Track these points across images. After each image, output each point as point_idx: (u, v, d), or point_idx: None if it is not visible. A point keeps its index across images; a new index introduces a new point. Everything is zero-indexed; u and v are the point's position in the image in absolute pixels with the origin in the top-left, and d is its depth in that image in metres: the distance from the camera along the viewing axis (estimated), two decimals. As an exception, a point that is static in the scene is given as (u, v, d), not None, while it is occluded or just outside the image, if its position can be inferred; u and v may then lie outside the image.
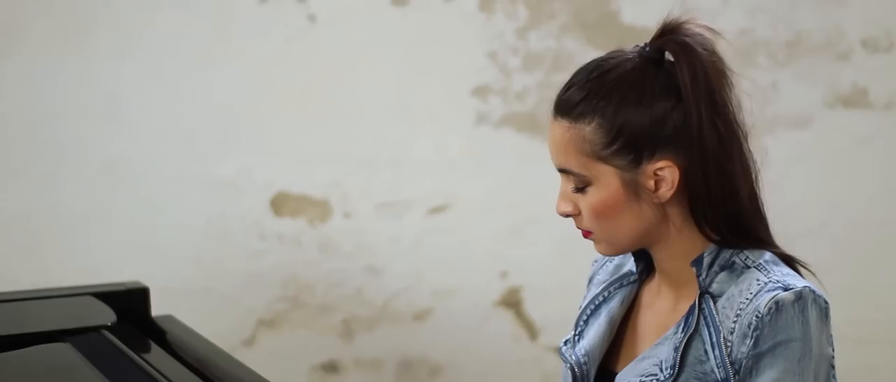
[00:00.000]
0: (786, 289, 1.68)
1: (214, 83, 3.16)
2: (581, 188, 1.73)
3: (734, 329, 1.70)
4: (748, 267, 1.74)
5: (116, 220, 3.17)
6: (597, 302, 1.95)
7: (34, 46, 3.05)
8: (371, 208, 3.24)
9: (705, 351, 1.73)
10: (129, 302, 2.23)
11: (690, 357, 1.75)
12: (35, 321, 2.04)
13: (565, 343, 1.98)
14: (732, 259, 1.75)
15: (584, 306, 1.98)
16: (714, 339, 1.73)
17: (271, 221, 3.23)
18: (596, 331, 1.91)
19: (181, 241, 3.18)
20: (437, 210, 3.27)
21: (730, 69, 1.77)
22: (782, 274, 1.72)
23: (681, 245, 1.77)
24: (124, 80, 3.12)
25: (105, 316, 2.06)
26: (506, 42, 3.22)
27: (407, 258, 3.26)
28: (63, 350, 1.87)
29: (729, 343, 1.71)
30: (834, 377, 1.74)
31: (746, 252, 1.75)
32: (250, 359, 3.23)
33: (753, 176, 1.78)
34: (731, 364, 1.70)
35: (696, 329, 1.77)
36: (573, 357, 1.91)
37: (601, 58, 1.76)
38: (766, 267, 1.74)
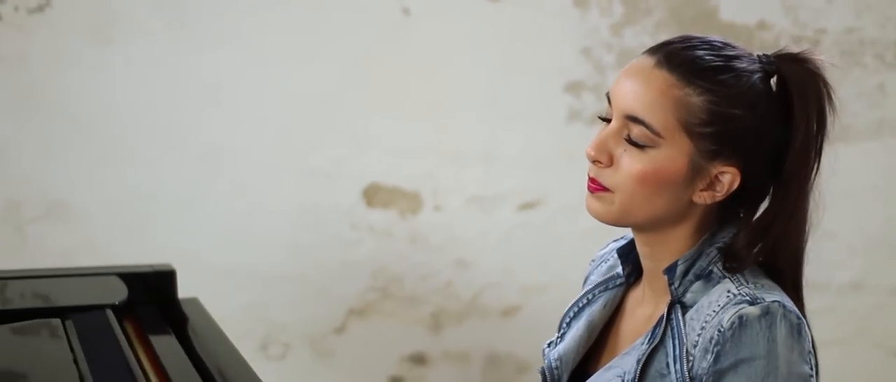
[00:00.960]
0: (752, 303, 1.60)
1: (310, 74, 3.21)
2: (639, 144, 1.62)
3: (698, 342, 1.62)
4: (723, 277, 1.67)
5: (214, 206, 3.25)
6: (580, 305, 1.91)
7: (140, 35, 3.16)
8: (461, 202, 3.24)
9: (667, 364, 1.66)
10: (156, 284, 2.27)
11: (652, 370, 1.69)
12: (49, 297, 2.12)
13: (549, 344, 1.94)
14: (709, 267, 1.68)
15: (568, 308, 1.94)
16: (677, 352, 1.66)
17: (363, 212, 3.26)
18: (573, 336, 1.87)
19: (275, 229, 3.25)
20: (527, 206, 3.24)
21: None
22: (756, 285, 1.64)
23: (677, 247, 1.70)
24: (224, 70, 3.20)
25: (116, 295, 2.12)
26: (600, 38, 3.17)
27: (496, 253, 3.25)
28: (52, 326, 1.94)
29: (691, 358, 1.63)
30: None
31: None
32: (341, 347, 3.29)
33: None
34: (691, 379, 1.62)
35: (662, 341, 1.70)
36: (546, 360, 1.87)
37: (724, 39, 1.68)
38: (742, 277, 1.66)
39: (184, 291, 3.23)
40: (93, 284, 2.20)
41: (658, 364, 1.68)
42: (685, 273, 1.69)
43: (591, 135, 3.13)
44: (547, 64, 3.18)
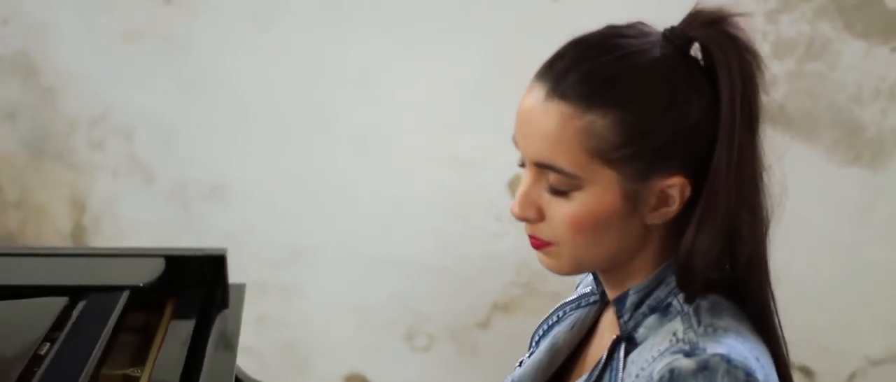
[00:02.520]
0: (689, 355, 1.36)
1: (457, 62, 3.15)
2: (562, 191, 1.41)
3: None
4: (679, 313, 1.43)
5: (361, 190, 3.25)
6: (549, 323, 1.71)
7: (295, 20, 3.20)
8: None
9: None
10: (204, 268, 2.29)
11: None
12: (76, 276, 2.17)
13: (520, 363, 1.77)
14: (668, 299, 1.45)
15: (539, 324, 1.76)
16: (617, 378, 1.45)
17: (508, 203, 3.17)
18: (534, 360, 1.66)
19: (420, 217, 3.21)
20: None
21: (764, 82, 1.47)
22: (707, 329, 1.40)
23: (642, 274, 1.47)
24: (373, 56, 3.19)
25: (142, 278, 2.15)
26: (754, 25, 2.93)
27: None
28: (48, 305, 1.99)
29: None
30: None
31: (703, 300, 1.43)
32: (485, 342, 3.22)
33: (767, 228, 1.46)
34: None
35: (599, 380, 1.49)
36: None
37: (615, 31, 1.45)
38: (696, 316, 1.42)
39: (330, 277, 3.28)
40: (134, 266, 2.23)
41: None
42: (638, 304, 1.47)
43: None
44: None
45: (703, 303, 1.43)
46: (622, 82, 1.39)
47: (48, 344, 1.87)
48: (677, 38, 1.44)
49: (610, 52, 1.42)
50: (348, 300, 3.30)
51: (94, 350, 1.84)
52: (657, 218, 1.44)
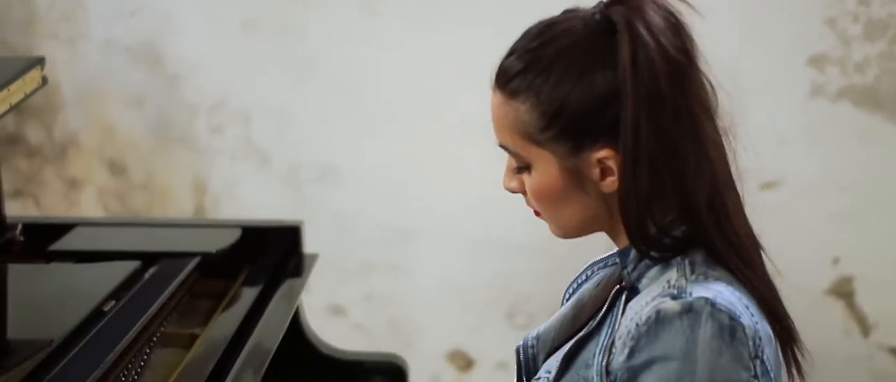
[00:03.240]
0: (675, 298, 1.44)
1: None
2: (521, 168, 1.55)
3: (623, 334, 1.48)
4: (678, 264, 1.50)
5: (465, 174, 3.34)
6: (579, 282, 1.79)
7: (404, 9, 3.31)
8: (700, 179, 3.12)
9: (594, 355, 1.54)
10: (281, 239, 2.42)
11: (580, 359, 1.57)
12: (154, 243, 2.32)
13: None
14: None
15: (570, 283, 1.84)
16: (604, 342, 1.53)
17: (604, 186, 3.22)
18: (559, 315, 1.72)
19: (521, 199, 3.27)
20: (766, 186, 3.08)
21: (693, 52, 1.54)
22: (698, 277, 1.47)
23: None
24: (479, 43, 3.27)
25: (214, 246, 2.29)
26: (846, 8, 2.94)
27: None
28: (125, 267, 2.14)
29: (613, 350, 1.50)
30: None
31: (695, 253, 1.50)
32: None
33: (716, 178, 1.54)
34: (607, 373, 1.49)
35: (598, 328, 1.58)
36: (523, 339, 1.78)
37: (550, 20, 1.55)
38: (689, 266, 1.49)
39: (435, 258, 3.38)
40: (211, 235, 2.38)
41: (588, 352, 1.56)
42: (641, 257, 1.53)
43: (835, 112, 2.97)
44: (788, 35, 3.00)
45: (699, 256, 1.51)
46: (536, 68, 1.50)
47: (113, 302, 2.02)
48: (596, 16, 1.52)
49: (535, 39, 1.53)
50: (451, 279, 3.40)
51: (152, 309, 1.98)
52: (609, 186, 1.51)
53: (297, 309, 2.42)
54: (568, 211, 1.54)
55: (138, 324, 1.91)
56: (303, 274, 2.37)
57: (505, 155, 1.59)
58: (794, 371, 1.62)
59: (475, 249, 3.36)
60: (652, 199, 1.49)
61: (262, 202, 3.49)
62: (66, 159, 3.65)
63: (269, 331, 2.07)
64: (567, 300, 1.79)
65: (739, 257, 1.54)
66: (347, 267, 3.49)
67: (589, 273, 1.77)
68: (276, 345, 2.06)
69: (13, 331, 1.92)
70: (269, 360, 1.96)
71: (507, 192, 1.62)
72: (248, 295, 2.21)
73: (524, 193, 1.58)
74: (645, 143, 1.47)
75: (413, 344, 3.40)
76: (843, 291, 3.04)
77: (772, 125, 3.04)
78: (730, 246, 1.53)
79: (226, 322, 2.06)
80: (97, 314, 1.95)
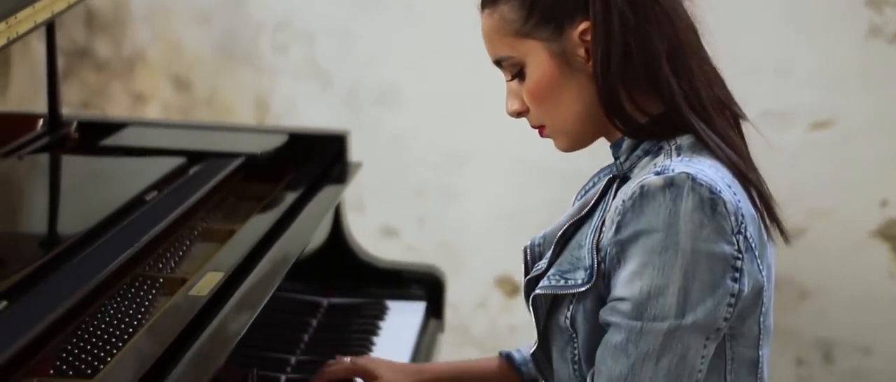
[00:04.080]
0: (659, 174, 1.53)
1: None
2: (515, 75, 1.66)
3: (612, 212, 1.57)
4: (666, 150, 1.60)
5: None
6: (587, 188, 1.85)
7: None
8: (753, 117, 3.12)
9: (586, 236, 1.64)
10: (327, 146, 2.48)
11: (574, 241, 1.68)
12: (201, 143, 2.38)
13: None
14: (660, 143, 1.61)
15: (579, 189, 1.89)
16: (596, 223, 1.63)
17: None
18: (564, 215, 1.79)
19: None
20: (819, 125, 3.08)
21: None
22: (683, 160, 1.56)
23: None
24: None
25: (261, 148, 2.36)
26: None
27: (784, 172, 3.10)
28: (170, 162, 2.21)
29: (604, 229, 1.59)
30: (737, 279, 1.53)
31: (678, 137, 1.60)
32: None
33: (680, 40, 1.61)
34: (598, 250, 1.59)
35: (591, 213, 1.69)
36: (531, 239, 1.85)
37: None
38: (676, 151, 1.59)
39: (487, 183, 3.42)
40: (259, 139, 2.44)
41: (581, 234, 1.66)
42: (633, 148, 1.63)
43: (891, 53, 2.95)
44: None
45: (687, 142, 1.60)
46: None
47: (155, 192, 2.09)
48: None
49: None
50: (503, 205, 3.44)
51: (191, 200, 2.05)
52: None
53: (339, 216, 2.48)
54: (564, 104, 1.63)
55: (176, 213, 1.98)
56: (346, 181, 2.42)
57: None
58: (782, 238, 1.70)
59: (527, 176, 3.39)
60: (623, 69, 1.59)
61: (322, 122, 3.54)
62: (133, 74, 3.73)
63: (304, 230, 2.11)
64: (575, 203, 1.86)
65: (706, 122, 1.61)
66: (402, 190, 3.55)
67: (596, 180, 1.84)
68: (308, 243, 2.12)
69: (57, 213, 2.00)
70: (297, 256, 2.01)
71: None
72: (290, 197, 2.26)
73: (526, 111, 1.67)
74: (612, 3, 1.58)
75: (463, 268, 3.45)
76: (890, 234, 3.04)
77: (827, 65, 3.04)
78: (694, 110, 1.60)
79: (263, 220, 2.11)
80: (138, 202, 2.02)
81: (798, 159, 3.10)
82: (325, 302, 2.40)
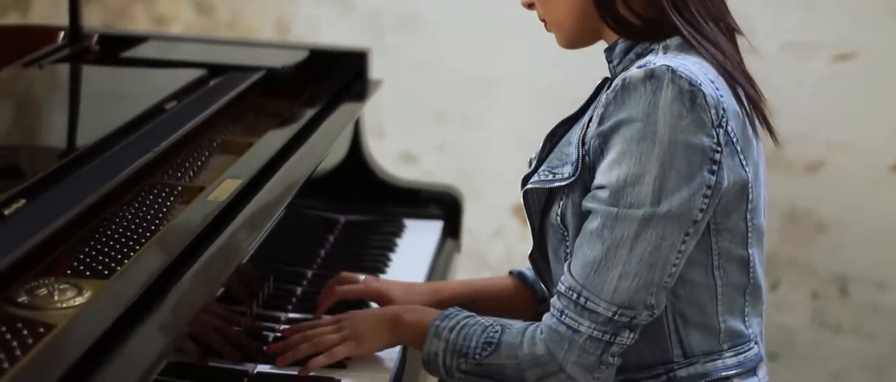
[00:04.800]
0: (640, 67, 1.58)
1: None
2: None
3: (597, 107, 1.63)
4: (653, 51, 1.65)
5: (541, 27, 3.35)
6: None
7: None
8: (775, 47, 3.11)
9: (575, 133, 1.69)
10: (348, 63, 2.48)
11: (564, 139, 1.73)
12: (222, 56, 2.39)
13: None
14: (652, 46, 1.66)
15: None
16: (584, 121, 1.68)
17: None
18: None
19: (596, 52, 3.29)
20: (842, 57, 3.05)
21: None
22: (668, 57, 1.60)
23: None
24: None
25: (281, 62, 2.36)
26: None
27: (805, 104, 3.09)
28: (191, 74, 2.21)
29: (591, 124, 1.64)
30: (714, 172, 1.56)
31: (669, 40, 1.65)
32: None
33: None
34: (583, 143, 1.63)
35: (582, 112, 1.75)
36: (536, 150, 1.87)
37: None
38: (663, 50, 1.63)
39: (507, 109, 3.41)
40: (279, 54, 2.44)
41: (571, 133, 1.71)
42: (625, 51, 1.68)
43: (917, -15, 2.92)
44: None
45: (675, 43, 1.64)
46: None
47: (175, 102, 2.10)
48: None
49: None
50: (522, 133, 3.42)
51: (210, 110, 2.05)
52: None
53: (358, 134, 2.48)
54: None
55: (195, 121, 1.98)
56: (366, 98, 2.42)
57: None
58: (770, 137, 1.71)
59: (547, 104, 3.37)
60: None
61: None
62: (156, -5, 3.73)
63: (322, 144, 2.12)
64: None
65: (694, 27, 1.64)
66: (421, 116, 3.54)
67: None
68: (325, 156, 2.13)
69: (77, 120, 2.00)
70: (315, 167, 2.02)
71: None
72: (309, 112, 2.26)
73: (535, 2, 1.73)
74: None
75: (481, 195, 3.45)
76: (910, 168, 3.03)
77: (851, -4, 3.02)
78: (682, 14, 1.64)
79: (281, 133, 2.11)
80: (158, 110, 2.02)
81: (819, 91, 3.08)
82: (342, 219, 2.40)
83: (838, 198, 3.09)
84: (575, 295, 1.60)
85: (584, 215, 1.62)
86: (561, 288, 1.62)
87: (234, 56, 2.43)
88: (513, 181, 3.48)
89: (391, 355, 1.84)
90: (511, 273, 1.98)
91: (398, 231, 2.38)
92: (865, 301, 3.11)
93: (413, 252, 2.30)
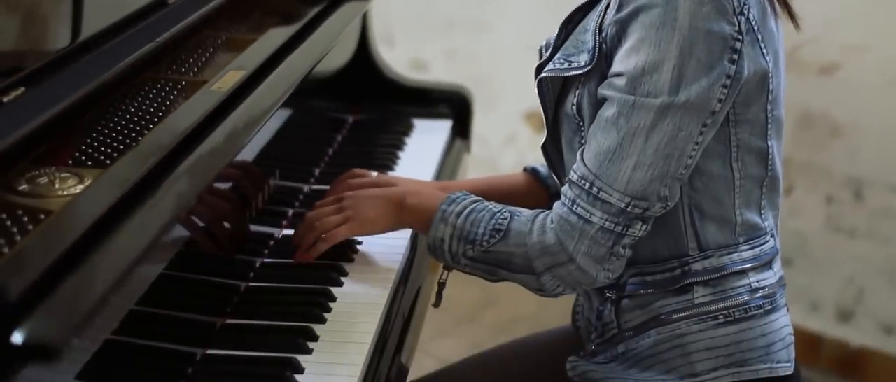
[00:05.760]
0: None
1: None
2: None
3: None
4: None
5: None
6: None
7: None
8: (791, -52, 3.05)
9: (592, 20, 1.64)
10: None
11: (580, 26, 1.69)
12: None
13: None
14: None
15: None
16: (601, 7, 1.63)
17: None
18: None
19: None
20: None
21: None
22: None
23: None
24: None
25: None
26: None
27: (818, 5, 3.04)
28: None
29: (608, 11, 1.60)
30: (734, 61, 1.52)
31: None
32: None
33: None
34: (600, 31, 1.59)
35: (598, 1, 1.69)
36: (546, 38, 1.85)
37: None
38: None
39: (517, 15, 3.38)
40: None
41: (586, 20, 1.67)
42: None
43: None
44: None
45: None
46: None
47: (174, -1, 2.06)
48: None
49: None
50: (533, 38, 3.38)
51: (212, 3, 2.02)
52: None
53: (366, 33, 2.44)
54: None
55: (198, 13, 1.95)
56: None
57: None
58: (791, 21, 1.66)
59: (558, 8, 3.33)
60: None
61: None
62: None
63: (326, 37, 2.09)
64: None
65: None
66: (432, 23, 3.51)
67: None
68: (331, 48, 2.09)
69: (80, 10, 1.97)
70: (320, 57, 1.99)
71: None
72: (314, 9, 2.22)
73: None
74: None
75: (493, 103, 3.43)
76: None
77: None
78: None
79: (286, 29, 2.08)
80: (161, 3, 1.99)
81: (834, -8, 3.04)
82: (350, 118, 2.38)
83: (853, 102, 3.06)
84: (587, 185, 1.57)
85: (600, 104, 1.59)
86: (573, 176, 1.59)
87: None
88: (525, 88, 3.47)
89: (398, 251, 1.83)
90: (525, 169, 1.96)
91: (407, 129, 2.36)
92: (880, 204, 3.08)
93: (422, 150, 2.28)
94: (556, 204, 1.61)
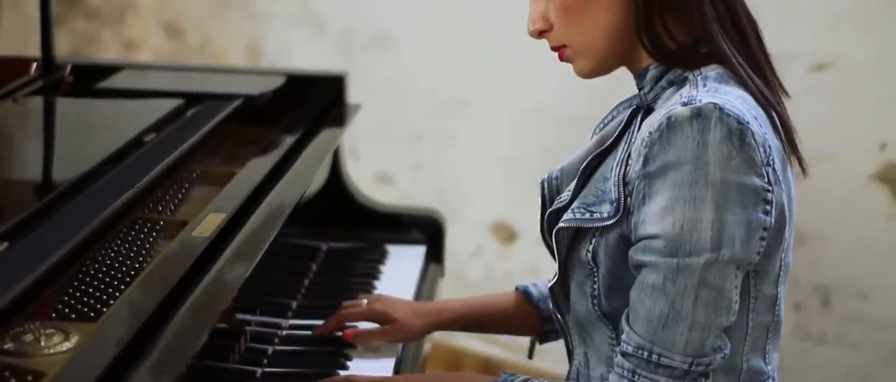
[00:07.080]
0: (686, 104, 1.50)
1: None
2: None
3: (638, 144, 1.55)
4: (692, 81, 1.58)
5: (518, 44, 3.28)
6: (606, 121, 1.84)
7: None
8: (751, 59, 3.10)
9: (611, 168, 1.62)
10: (325, 88, 2.45)
11: (598, 173, 1.66)
12: (200, 85, 2.35)
13: None
14: (685, 74, 1.60)
15: (597, 123, 1.88)
16: (621, 156, 1.61)
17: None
18: (582, 148, 1.80)
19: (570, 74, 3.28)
20: (818, 68, 3.04)
21: None
22: (710, 91, 1.53)
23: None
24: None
25: (258, 90, 2.33)
26: None
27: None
28: (168, 104, 2.18)
29: (629, 161, 1.57)
30: (768, 212, 1.51)
31: (704, 68, 1.59)
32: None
33: None
34: (625, 183, 1.57)
35: (615, 144, 1.68)
36: (548, 172, 1.84)
37: None
38: (702, 81, 1.57)
39: (483, 128, 3.40)
40: (256, 81, 2.41)
41: (606, 166, 1.65)
42: (657, 78, 1.62)
43: (894, -6, 2.92)
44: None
45: (713, 73, 1.59)
46: None
47: (154, 134, 2.06)
48: None
49: None
50: (498, 151, 3.41)
51: (190, 142, 2.02)
52: None
53: (338, 160, 2.45)
54: (594, 19, 1.61)
55: (175, 154, 1.95)
56: (345, 123, 2.39)
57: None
58: (799, 166, 1.68)
59: (523, 121, 3.37)
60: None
61: (316, 67, 3.51)
62: (125, 22, 3.69)
63: (304, 173, 2.09)
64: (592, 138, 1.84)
65: (739, 49, 1.61)
66: (397, 136, 3.52)
67: (614, 113, 1.83)
68: (309, 185, 2.10)
69: (56, 156, 1.97)
70: (298, 200, 1.99)
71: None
72: (288, 139, 2.23)
73: (549, 29, 1.64)
74: None
75: (458, 215, 3.43)
76: (890, 177, 3.01)
77: (826, 5, 3.01)
78: (727, 33, 1.60)
79: (262, 162, 2.08)
80: (137, 144, 1.99)
81: (798, 102, 3.03)
82: (324, 246, 2.37)
83: (819, 209, 3.08)
84: (646, 353, 1.54)
85: (617, 255, 1.58)
86: (627, 348, 1.55)
87: (211, 84, 2.40)
88: (491, 200, 3.50)
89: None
90: (517, 289, 1.95)
91: (381, 257, 2.35)
92: (848, 311, 3.10)
93: (397, 279, 2.27)
94: (613, 378, 1.58)
